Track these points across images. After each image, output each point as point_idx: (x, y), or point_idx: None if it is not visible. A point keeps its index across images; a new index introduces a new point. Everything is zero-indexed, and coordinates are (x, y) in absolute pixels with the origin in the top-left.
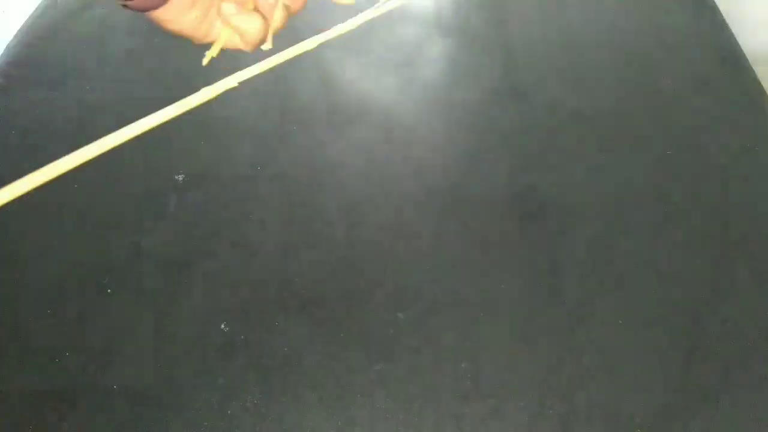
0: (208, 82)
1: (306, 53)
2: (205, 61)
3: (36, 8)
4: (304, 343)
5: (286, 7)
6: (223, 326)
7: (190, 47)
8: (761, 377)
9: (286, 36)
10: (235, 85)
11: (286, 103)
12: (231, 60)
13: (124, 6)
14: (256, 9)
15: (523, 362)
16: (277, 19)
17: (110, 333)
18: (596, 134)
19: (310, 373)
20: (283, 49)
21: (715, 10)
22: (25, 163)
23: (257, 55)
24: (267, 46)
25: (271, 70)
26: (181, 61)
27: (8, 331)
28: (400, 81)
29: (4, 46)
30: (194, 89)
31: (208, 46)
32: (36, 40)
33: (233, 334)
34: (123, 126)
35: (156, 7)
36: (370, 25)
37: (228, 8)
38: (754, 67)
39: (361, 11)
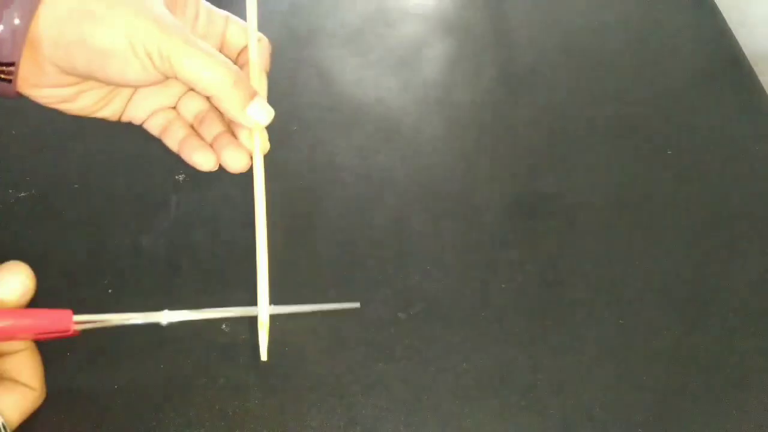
0: None
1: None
2: None
3: None
4: (304, 343)
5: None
6: (223, 326)
7: None
8: (762, 378)
9: None
10: None
11: (286, 103)
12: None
13: None
14: None
15: (524, 362)
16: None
17: (110, 333)
18: (596, 134)
19: (311, 373)
20: None
21: (715, 10)
22: (26, 163)
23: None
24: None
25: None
26: None
27: None
28: (400, 81)
29: None
30: None
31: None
32: None
33: (233, 334)
34: (123, 125)
35: None
36: (370, 24)
37: None
38: (754, 67)
39: None
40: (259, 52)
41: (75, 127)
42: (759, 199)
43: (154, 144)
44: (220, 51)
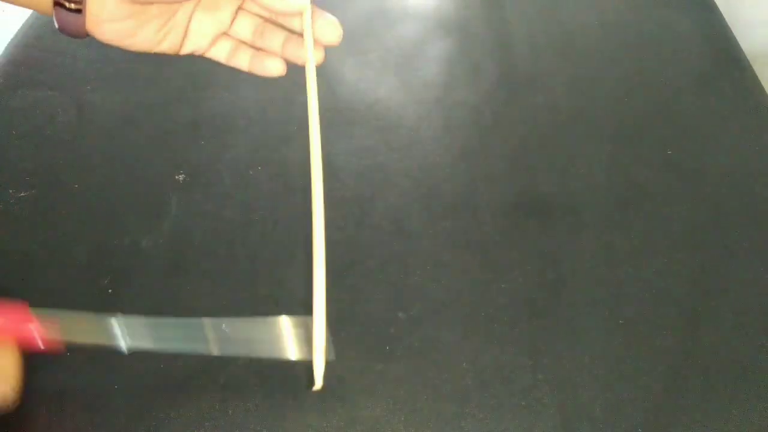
0: (209, 82)
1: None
2: None
3: None
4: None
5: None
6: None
7: None
8: (762, 378)
9: None
10: None
11: (286, 103)
12: None
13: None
14: None
15: (523, 362)
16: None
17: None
18: (596, 134)
19: (311, 373)
20: None
21: (715, 10)
22: (25, 163)
23: None
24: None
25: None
26: (182, 62)
27: None
28: (400, 81)
29: (4, 46)
30: (194, 89)
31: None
32: (36, 40)
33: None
34: (123, 125)
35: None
36: (370, 24)
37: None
38: (754, 67)
39: None
40: None
41: (75, 127)
42: (759, 199)
43: (154, 144)
44: None
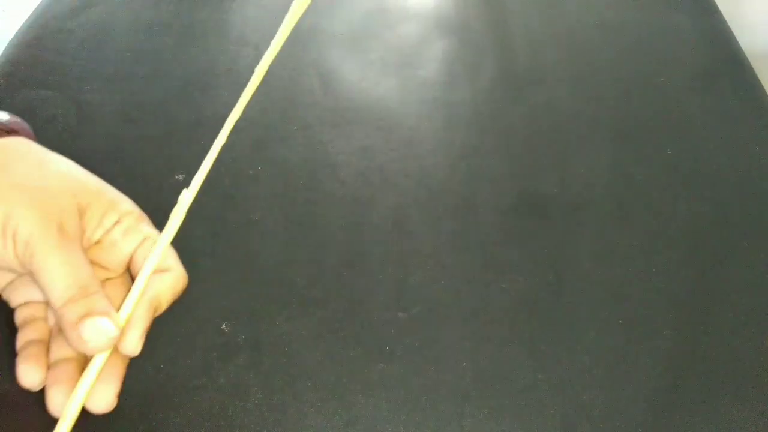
0: (209, 82)
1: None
2: None
3: (36, 8)
4: (304, 343)
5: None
6: (223, 326)
7: (191, 47)
8: (762, 378)
9: None
10: None
11: (286, 103)
12: None
13: None
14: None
15: (523, 362)
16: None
17: None
18: (596, 134)
19: (311, 373)
20: None
21: (715, 11)
22: None
23: None
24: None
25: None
26: (182, 62)
27: (9, 331)
28: (400, 81)
29: (4, 46)
30: (195, 90)
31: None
32: (36, 40)
33: (233, 334)
34: (123, 125)
35: None
36: (370, 24)
37: None
38: (754, 67)
39: None
40: (164, 283)
41: (75, 127)
42: (759, 199)
43: (154, 144)
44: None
